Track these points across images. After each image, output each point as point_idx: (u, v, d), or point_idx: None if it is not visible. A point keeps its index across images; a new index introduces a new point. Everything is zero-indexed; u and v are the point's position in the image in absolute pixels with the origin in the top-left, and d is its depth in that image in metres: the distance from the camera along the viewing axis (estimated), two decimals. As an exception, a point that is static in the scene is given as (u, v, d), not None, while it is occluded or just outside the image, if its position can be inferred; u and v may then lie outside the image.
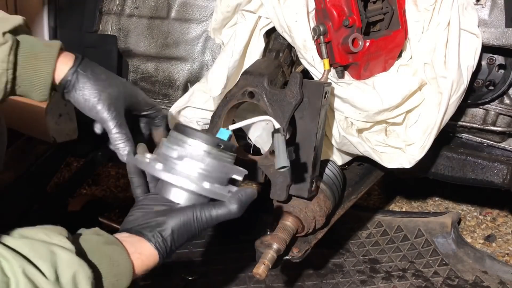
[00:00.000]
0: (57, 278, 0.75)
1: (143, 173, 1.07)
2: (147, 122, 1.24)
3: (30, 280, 0.72)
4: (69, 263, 0.78)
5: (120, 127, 1.11)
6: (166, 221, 0.95)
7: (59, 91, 1.12)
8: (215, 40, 1.59)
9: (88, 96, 1.10)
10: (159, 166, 0.98)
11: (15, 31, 1.05)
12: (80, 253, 0.82)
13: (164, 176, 0.97)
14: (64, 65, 1.10)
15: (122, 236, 0.93)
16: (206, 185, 0.97)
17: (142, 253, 0.91)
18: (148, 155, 1.04)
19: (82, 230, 0.91)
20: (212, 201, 0.99)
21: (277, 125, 1.12)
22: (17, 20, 1.06)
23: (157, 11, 1.74)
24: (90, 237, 0.89)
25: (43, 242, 0.79)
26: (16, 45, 1.04)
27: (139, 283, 1.82)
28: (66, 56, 1.11)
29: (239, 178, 1.02)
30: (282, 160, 1.06)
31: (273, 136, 1.09)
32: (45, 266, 0.75)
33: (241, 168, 1.02)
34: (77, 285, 0.77)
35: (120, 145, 1.11)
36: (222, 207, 0.97)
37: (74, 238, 0.84)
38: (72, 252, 0.79)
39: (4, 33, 1.02)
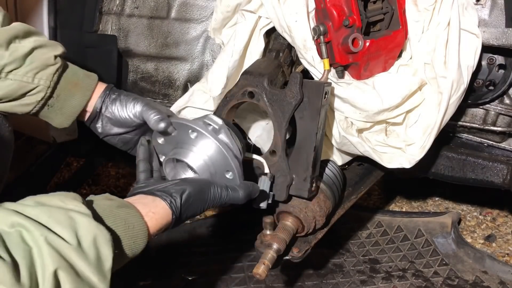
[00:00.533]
0: (79, 243, 0.76)
1: (150, 160, 1.14)
2: None
3: (52, 247, 0.72)
4: (88, 227, 0.78)
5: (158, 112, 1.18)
6: (184, 184, 1.00)
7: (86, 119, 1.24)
8: (215, 40, 1.59)
9: (125, 100, 1.21)
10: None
11: (62, 56, 1.15)
12: (96, 217, 0.82)
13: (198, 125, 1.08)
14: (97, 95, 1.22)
15: (135, 198, 0.96)
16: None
17: (156, 212, 0.94)
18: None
19: (92, 197, 0.92)
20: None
21: (267, 170, 1.22)
22: (62, 47, 1.17)
23: (157, 11, 1.74)
24: (103, 202, 0.89)
25: (60, 208, 0.79)
26: (63, 69, 1.15)
27: (139, 283, 1.82)
28: (101, 86, 1.22)
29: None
30: (263, 202, 1.19)
31: (260, 178, 1.20)
32: (66, 232, 0.75)
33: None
34: (99, 248, 0.78)
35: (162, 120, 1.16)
36: (233, 190, 1.05)
37: (87, 203, 0.85)
38: (89, 217, 0.80)
39: (56, 56, 1.13)
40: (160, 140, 1.16)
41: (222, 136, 1.10)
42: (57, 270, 0.71)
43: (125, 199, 0.95)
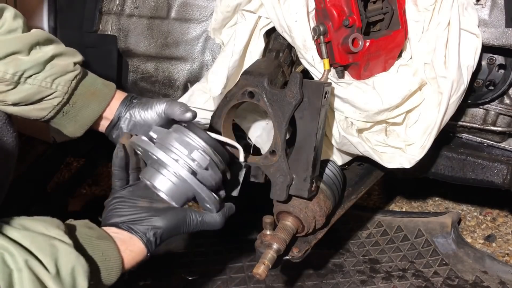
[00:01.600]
0: (57, 272, 0.79)
1: (126, 168, 1.14)
2: None
3: (32, 272, 0.75)
4: (68, 257, 0.81)
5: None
6: (160, 221, 1.01)
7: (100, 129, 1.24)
8: (215, 40, 1.59)
9: (146, 101, 1.22)
10: (157, 146, 1.04)
11: (80, 63, 1.17)
12: (77, 246, 0.85)
13: (160, 155, 1.02)
14: (116, 101, 1.22)
15: (112, 231, 0.98)
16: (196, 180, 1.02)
17: (133, 250, 0.97)
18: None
19: (72, 221, 0.94)
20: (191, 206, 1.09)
21: (242, 159, 1.20)
22: (80, 55, 1.18)
23: (157, 11, 1.74)
24: (83, 230, 0.92)
25: (43, 235, 0.82)
26: (81, 76, 1.16)
27: (139, 283, 1.82)
28: (119, 94, 1.23)
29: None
30: (234, 191, 1.20)
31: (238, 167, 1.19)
32: (47, 260, 0.78)
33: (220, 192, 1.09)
34: (76, 278, 0.81)
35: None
36: (210, 217, 1.07)
37: (69, 229, 0.88)
38: (70, 246, 0.83)
39: (75, 63, 1.14)
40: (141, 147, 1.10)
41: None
42: None
43: (104, 228, 0.98)
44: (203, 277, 1.85)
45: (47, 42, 1.12)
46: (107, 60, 1.78)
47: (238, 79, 1.28)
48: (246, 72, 1.27)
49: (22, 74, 1.06)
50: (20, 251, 0.76)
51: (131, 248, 0.97)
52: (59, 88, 1.11)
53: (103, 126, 1.24)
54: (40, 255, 0.78)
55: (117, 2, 1.77)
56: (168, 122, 1.19)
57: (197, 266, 1.90)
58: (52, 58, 1.10)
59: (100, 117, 1.21)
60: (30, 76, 1.08)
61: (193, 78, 1.78)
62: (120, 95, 1.23)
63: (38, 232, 0.82)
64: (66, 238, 0.84)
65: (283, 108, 1.19)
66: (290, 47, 1.36)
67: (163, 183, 1.04)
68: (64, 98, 1.13)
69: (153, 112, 1.21)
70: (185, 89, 1.78)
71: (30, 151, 2.06)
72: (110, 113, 1.22)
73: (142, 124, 1.22)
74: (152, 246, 1.00)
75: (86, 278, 0.83)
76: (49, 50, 1.11)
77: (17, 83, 1.07)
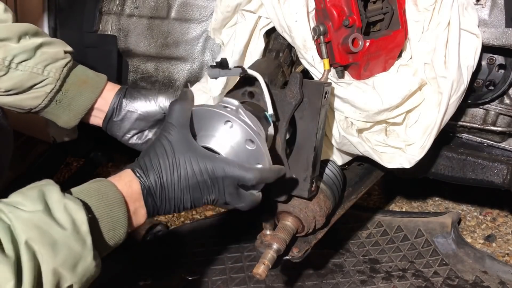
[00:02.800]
0: (50, 212, 0.77)
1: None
2: None
3: (22, 219, 0.74)
4: (57, 197, 0.80)
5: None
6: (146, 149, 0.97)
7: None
8: (215, 40, 1.59)
9: (147, 93, 1.22)
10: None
11: (70, 53, 1.17)
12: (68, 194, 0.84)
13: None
14: (110, 92, 1.21)
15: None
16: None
17: (122, 177, 0.93)
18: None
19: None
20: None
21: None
22: (69, 47, 1.19)
23: (157, 11, 1.74)
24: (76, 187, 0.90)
25: (33, 187, 0.83)
26: (72, 65, 1.16)
27: (139, 283, 1.82)
28: (111, 86, 1.23)
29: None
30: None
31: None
32: (37, 204, 0.78)
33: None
34: (71, 214, 0.79)
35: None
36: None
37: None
38: (58, 188, 0.83)
39: (65, 52, 1.15)
40: None
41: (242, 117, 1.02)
42: (28, 240, 0.72)
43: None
44: (203, 277, 1.85)
45: (36, 33, 1.14)
46: (107, 60, 1.78)
47: (238, 79, 1.28)
48: (246, 72, 1.27)
49: (12, 59, 1.08)
50: (7, 206, 0.75)
51: (123, 177, 0.93)
52: (51, 75, 1.12)
53: (99, 119, 1.24)
54: (29, 203, 0.77)
55: (117, 2, 1.77)
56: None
57: (197, 266, 1.90)
58: (41, 45, 1.12)
59: (95, 109, 1.21)
60: (21, 62, 1.09)
61: (193, 78, 1.78)
62: (113, 87, 1.24)
63: (29, 187, 0.83)
64: (54, 183, 0.84)
65: (283, 108, 1.19)
66: (290, 47, 1.36)
67: (220, 145, 1.01)
68: (56, 85, 1.14)
69: (154, 105, 1.22)
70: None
71: (30, 151, 2.06)
72: (105, 105, 1.22)
73: (143, 116, 1.22)
74: (140, 173, 0.94)
75: (82, 211, 0.80)
76: (38, 39, 1.12)
77: (8, 69, 1.08)
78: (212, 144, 1.00)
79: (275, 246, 1.22)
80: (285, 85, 1.24)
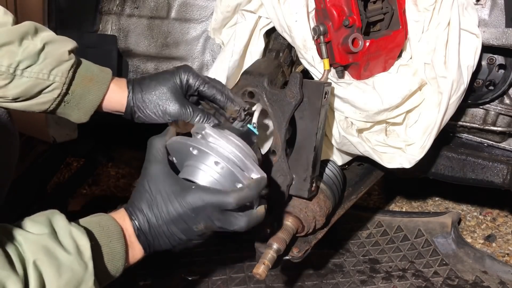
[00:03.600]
0: (56, 236, 0.83)
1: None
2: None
3: (31, 241, 0.79)
4: (63, 223, 0.85)
5: (191, 113, 1.15)
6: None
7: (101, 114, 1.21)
8: (215, 40, 1.59)
9: (153, 111, 1.18)
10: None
11: (74, 51, 1.15)
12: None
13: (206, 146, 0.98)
14: (117, 89, 1.19)
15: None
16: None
17: (117, 215, 0.96)
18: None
19: None
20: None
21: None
22: (73, 42, 1.16)
23: (157, 11, 1.74)
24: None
25: (40, 214, 0.86)
26: (77, 65, 1.14)
27: (139, 283, 1.82)
28: (117, 81, 1.20)
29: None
30: None
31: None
32: (44, 228, 0.83)
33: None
34: (75, 239, 0.84)
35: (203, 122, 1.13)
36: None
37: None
38: (64, 217, 0.86)
39: (69, 52, 1.12)
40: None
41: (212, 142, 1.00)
42: (35, 261, 0.77)
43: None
44: (203, 277, 1.85)
45: (36, 31, 1.12)
46: (107, 60, 1.78)
47: (238, 79, 1.28)
48: (246, 72, 1.27)
49: (17, 66, 1.07)
50: (16, 229, 0.80)
51: (118, 216, 0.96)
52: (57, 79, 1.11)
53: (119, 107, 1.21)
54: (36, 228, 0.82)
55: (117, 2, 1.77)
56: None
57: (197, 266, 1.90)
58: (43, 47, 1.10)
59: (108, 101, 1.19)
60: (26, 68, 1.08)
61: (193, 78, 1.77)
62: (119, 82, 1.21)
63: (37, 215, 0.86)
64: (60, 213, 0.87)
65: (283, 108, 1.19)
66: (290, 47, 1.36)
67: (204, 177, 0.99)
68: (63, 89, 1.13)
69: (161, 119, 1.18)
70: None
71: (30, 151, 2.06)
72: (116, 99, 1.20)
73: (158, 99, 1.18)
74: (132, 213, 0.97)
75: (86, 237, 0.84)
76: (40, 39, 1.11)
77: (13, 76, 1.07)
78: (187, 174, 1.00)
79: (275, 246, 1.22)
80: (285, 85, 1.24)
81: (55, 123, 1.77)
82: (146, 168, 0.99)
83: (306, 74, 1.33)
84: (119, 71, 1.82)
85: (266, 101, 1.21)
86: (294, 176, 1.23)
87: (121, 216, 0.96)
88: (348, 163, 1.53)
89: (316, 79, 1.33)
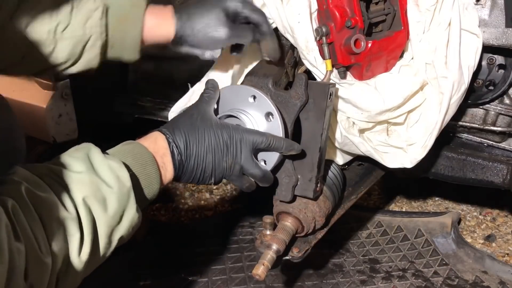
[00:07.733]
0: (97, 173, 0.86)
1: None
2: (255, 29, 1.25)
3: (78, 180, 0.83)
4: (101, 158, 0.88)
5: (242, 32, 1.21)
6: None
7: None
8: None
9: (202, 40, 1.20)
10: None
11: None
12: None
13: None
14: (159, 20, 1.18)
15: None
16: None
17: (147, 137, 1.02)
18: None
19: None
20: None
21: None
22: None
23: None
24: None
25: (78, 149, 0.91)
26: (107, 9, 1.14)
27: (139, 283, 1.82)
28: (159, 12, 1.19)
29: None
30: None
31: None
32: (84, 166, 0.86)
33: None
34: (116, 172, 0.87)
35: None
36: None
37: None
38: (99, 151, 0.90)
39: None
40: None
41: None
42: (84, 198, 0.82)
43: None
44: (203, 277, 1.85)
45: None
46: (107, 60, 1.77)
47: (239, 79, 1.28)
48: (250, 73, 1.26)
49: (56, 29, 1.09)
50: (63, 170, 0.84)
51: (147, 137, 1.01)
52: (94, 31, 1.12)
53: (164, 38, 1.22)
54: (78, 166, 0.85)
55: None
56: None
57: (197, 266, 1.90)
58: (72, 7, 1.10)
59: (150, 34, 1.19)
60: (63, 30, 1.10)
61: (193, 78, 1.77)
62: (161, 10, 1.20)
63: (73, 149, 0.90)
64: (95, 147, 0.91)
65: (288, 109, 1.19)
66: (293, 48, 1.35)
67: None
68: (102, 38, 1.14)
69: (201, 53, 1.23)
70: (185, 89, 1.78)
71: (30, 151, 2.06)
72: (164, 27, 1.19)
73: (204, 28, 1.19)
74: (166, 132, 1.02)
75: (124, 169, 0.88)
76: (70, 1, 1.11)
77: (56, 40, 1.10)
78: (235, 116, 1.12)
79: (274, 246, 1.22)
80: (289, 86, 1.24)
81: (55, 123, 1.77)
82: (198, 103, 1.10)
83: (308, 74, 1.33)
84: (119, 71, 1.82)
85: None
86: (299, 176, 1.23)
87: (152, 137, 1.01)
88: (348, 163, 1.53)
89: (318, 79, 1.33)
